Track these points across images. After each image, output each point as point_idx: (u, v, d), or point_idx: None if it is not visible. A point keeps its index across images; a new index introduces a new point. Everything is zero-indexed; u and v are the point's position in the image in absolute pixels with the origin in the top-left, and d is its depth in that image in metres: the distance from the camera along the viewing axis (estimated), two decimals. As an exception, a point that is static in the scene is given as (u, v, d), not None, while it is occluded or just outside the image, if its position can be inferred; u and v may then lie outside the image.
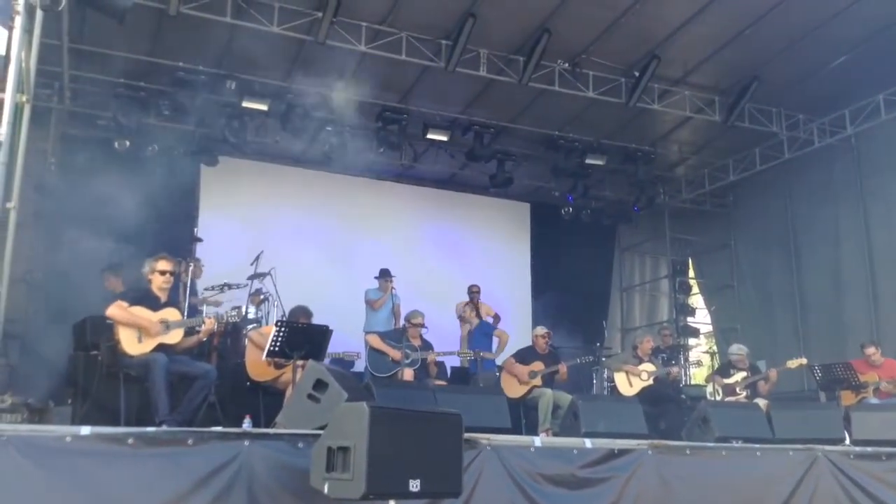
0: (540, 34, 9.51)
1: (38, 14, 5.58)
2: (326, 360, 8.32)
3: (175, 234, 10.21)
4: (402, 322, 9.40)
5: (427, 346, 8.86)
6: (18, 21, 4.60)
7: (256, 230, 11.09)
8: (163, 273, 6.42)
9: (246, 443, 4.66)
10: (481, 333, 9.85)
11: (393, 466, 4.02)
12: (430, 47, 9.73)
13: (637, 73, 10.34)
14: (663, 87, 10.89)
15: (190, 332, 6.33)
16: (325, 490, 4.04)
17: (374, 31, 9.49)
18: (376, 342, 8.77)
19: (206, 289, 9.26)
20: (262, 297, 9.23)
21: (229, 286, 9.32)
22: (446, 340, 9.78)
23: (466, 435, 5.10)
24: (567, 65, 10.32)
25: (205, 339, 6.47)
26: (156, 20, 9.17)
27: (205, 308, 8.42)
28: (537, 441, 5.70)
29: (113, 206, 9.57)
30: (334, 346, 8.49)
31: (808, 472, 6.27)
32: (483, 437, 5.34)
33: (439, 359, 8.95)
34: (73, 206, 9.31)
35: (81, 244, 8.68)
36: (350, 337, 9.85)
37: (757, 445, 6.43)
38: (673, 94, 10.98)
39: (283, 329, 6.69)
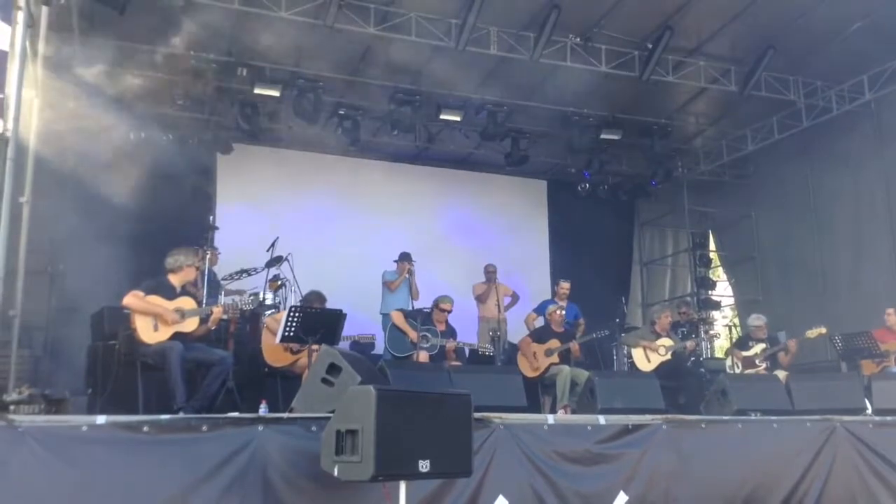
0: (549, 9, 9.40)
1: (45, 8, 5.64)
2: (345, 344, 8.40)
3: (192, 222, 10.29)
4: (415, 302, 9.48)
5: (451, 331, 8.90)
6: (20, 16, 4.64)
7: (273, 216, 11.17)
8: (198, 269, 6.55)
9: (260, 428, 4.73)
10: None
11: (402, 448, 4.06)
12: (440, 27, 9.66)
13: (650, 46, 10.19)
14: (677, 59, 10.73)
15: (205, 320, 6.40)
16: (335, 472, 4.08)
17: (382, 13, 9.43)
18: (399, 320, 8.88)
19: (223, 278, 9.34)
20: (279, 282, 9.29)
21: (247, 272, 9.41)
22: (463, 322, 9.76)
23: (479, 414, 5.14)
24: (579, 39, 10.18)
25: (213, 327, 6.51)
26: (165, 10, 9.17)
27: (222, 296, 8.49)
28: (550, 419, 5.73)
29: (130, 197, 9.69)
30: (352, 329, 8.53)
31: (827, 443, 6.27)
32: (496, 417, 5.37)
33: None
34: (90, 198, 9.43)
35: (99, 235, 8.80)
36: (369, 319, 9.89)
37: (773, 418, 6.41)
38: (687, 65, 10.82)
39: (296, 314, 6.73)
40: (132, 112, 10.28)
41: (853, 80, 10.87)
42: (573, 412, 7.72)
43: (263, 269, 9.40)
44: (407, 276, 9.79)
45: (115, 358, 6.49)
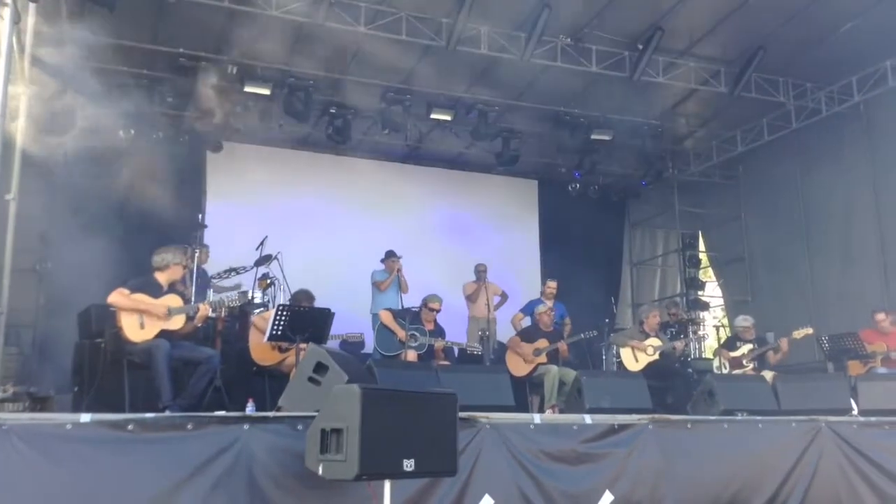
0: (540, 9, 9.41)
1: (31, 4, 5.62)
2: (335, 343, 8.40)
3: (181, 220, 10.25)
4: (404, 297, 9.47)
5: (439, 331, 8.89)
6: (7, 12, 4.62)
7: (262, 215, 11.14)
8: (185, 267, 6.55)
9: (246, 427, 4.72)
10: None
11: (386, 447, 4.06)
12: (431, 26, 9.66)
13: (640, 46, 10.21)
14: (668, 60, 10.75)
15: (192, 317, 6.38)
16: (320, 471, 4.08)
17: (373, 12, 9.41)
18: (388, 319, 8.87)
19: (213, 276, 9.32)
20: (268, 281, 9.26)
21: (236, 271, 9.38)
22: (453, 321, 9.78)
23: (465, 413, 5.14)
24: (569, 40, 10.21)
25: (200, 324, 6.50)
26: (156, 8, 9.18)
27: (211, 292, 8.47)
28: (537, 418, 5.73)
29: (119, 194, 9.68)
30: (343, 328, 8.53)
31: (812, 444, 6.29)
32: (482, 416, 5.37)
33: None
34: (80, 196, 9.41)
35: (89, 233, 8.78)
36: (358, 318, 9.87)
37: (759, 418, 6.43)
38: (678, 66, 10.84)
39: (284, 313, 6.72)
40: (121, 109, 10.24)
41: (842, 82, 10.92)
42: (561, 412, 7.73)
43: (252, 268, 9.38)
44: (398, 273, 9.80)
45: (101, 356, 6.47)
